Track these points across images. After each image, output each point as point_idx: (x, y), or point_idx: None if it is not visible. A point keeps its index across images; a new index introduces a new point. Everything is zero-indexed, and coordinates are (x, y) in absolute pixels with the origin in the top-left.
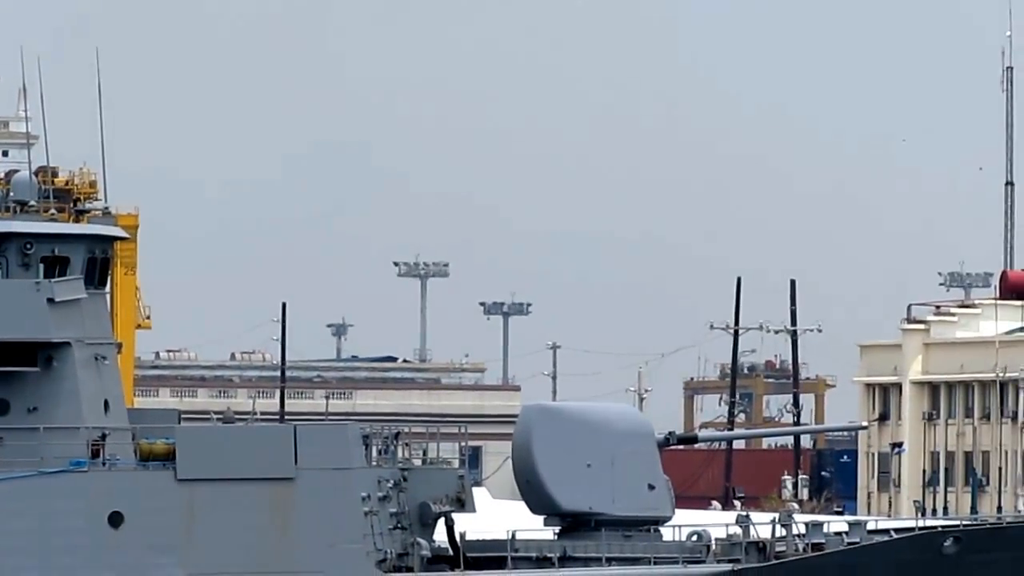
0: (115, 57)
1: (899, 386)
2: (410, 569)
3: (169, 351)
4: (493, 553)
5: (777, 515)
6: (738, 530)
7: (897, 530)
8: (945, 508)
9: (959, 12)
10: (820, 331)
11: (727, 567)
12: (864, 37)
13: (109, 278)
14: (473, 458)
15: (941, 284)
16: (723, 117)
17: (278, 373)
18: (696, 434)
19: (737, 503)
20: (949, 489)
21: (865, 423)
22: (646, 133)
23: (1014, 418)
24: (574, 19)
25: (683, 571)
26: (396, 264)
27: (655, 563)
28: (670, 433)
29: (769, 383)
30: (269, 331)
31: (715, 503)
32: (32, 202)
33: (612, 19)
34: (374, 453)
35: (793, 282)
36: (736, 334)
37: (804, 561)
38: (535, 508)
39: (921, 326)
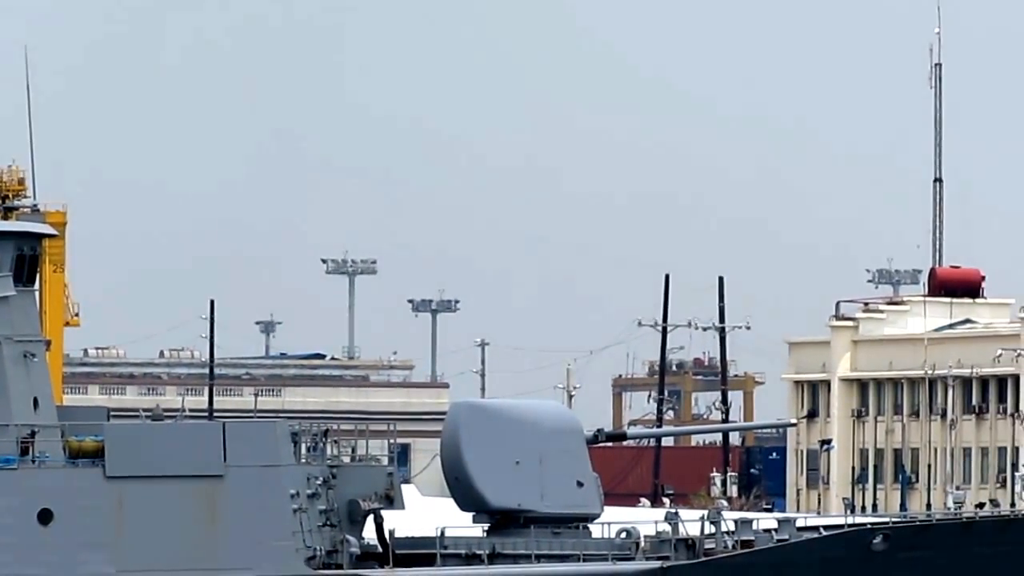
0: (43, 54)
1: (828, 383)
2: (339, 566)
3: (98, 348)
4: (422, 550)
5: (706, 512)
6: (667, 527)
7: (826, 527)
8: (874, 505)
9: (889, 8)
10: (749, 328)
11: (656, 564)
12: (794, 33)
13: (38, 275)
14: (402, 455)
15: (870, 281)
16: (650, 112)
17: (207, 370)
18: (625, 431)
19: (666, 500)
20: (878, 486)
21: (794, 420)
22: (573, 132)
23: (943, 415)
24: (512, 22)
25: (612, 568)
26: (324, 261)
27: (584, 560)
28: (599, 430)
29: (698, 380)
30: (198, 328)
31: (644, 500)
32: None
33: (547, 22)
34: (303, 450)
35: (721, 279)
36: (664, 331)
37: (733, 558)
38: (464, 505)
39: (850, 323)
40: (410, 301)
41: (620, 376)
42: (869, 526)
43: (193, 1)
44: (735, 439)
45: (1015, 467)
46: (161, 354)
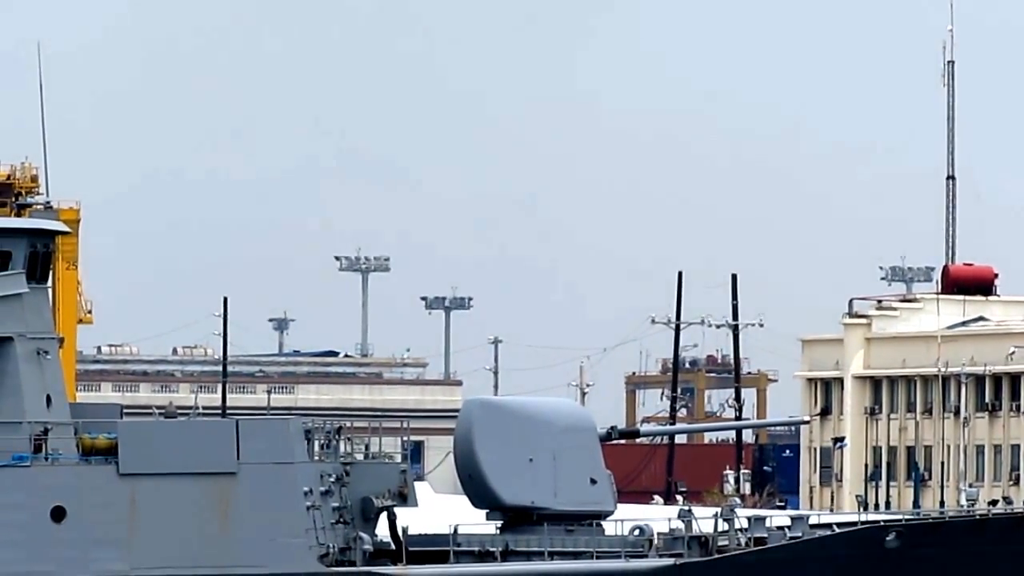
0: (58, 51)
1: (841, 381)
2: (352, 563)
3: (111, 346)
4: (435, 547)
5: (719, 509)
6: (680, 524)
7: (839, 524)
8: (887, 502)
9: (902, 7)
10: (762, 326)
11: (669, 561)
12: (807, 32)
13: (51, 272)
14: (415, 452)
15: (883, 279)
16: (661, 110)
17: (220, 367)
18: (638, 429)
19: (679, 497)
20: (891, 484)
21: (807, 418)
22: (588, 129)
23: (956, 413)
24: (530, 20)
25: (625, 565)
26: (338, 259)
27: (597, 557)
28: (612, 427)
29: (711, 378)
30: (211, 326)
31: (657, 497)
32: None
33: (566, 20)
34: (316, 447)
35: (735, 276)
36: (678, 329)
37: (746, 556)
38: (477, 502)
39: (863, 320)
40: (423, 298)
41: (633, 373)
42: (882, 523)
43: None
44: (748, 436)
45: None
46: (174, 351)
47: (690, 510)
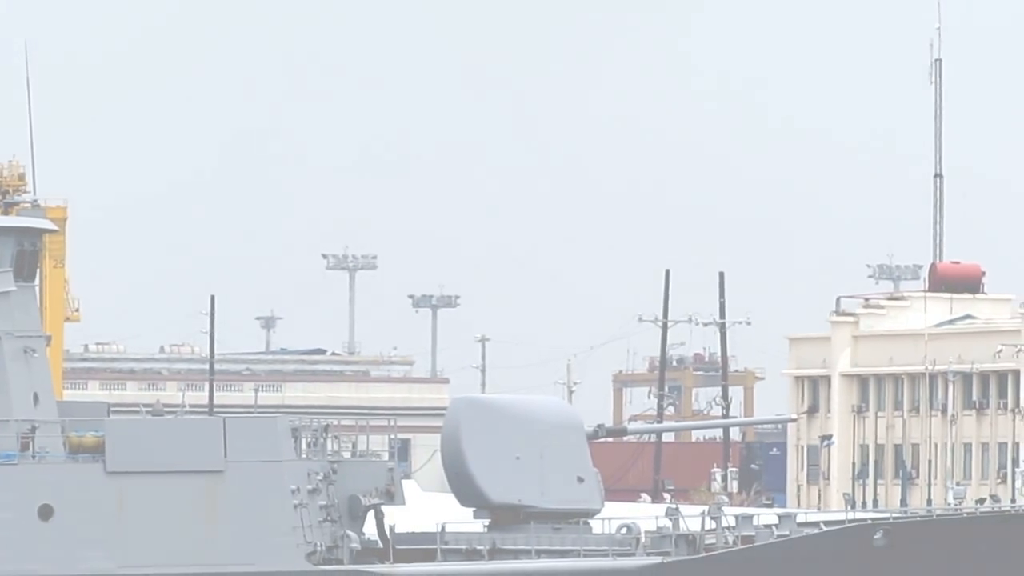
0: (44, 48)
1: (828, 379)
2: (339, 562)
3: (98, 344)
4: (423, 546)
5: (707, 508)
6: (668, 523)
7: (827, 523)
8: (875, 501)
9: (889, 4)
10: (749, 323)
11: (657, 560)
12: (795, 29)
13: (38, 271)
14: (402, 451)
15: (870, 276)
16: (650, 106)
17: (207, 366)
18: (625, 427)
19: (666, 496)
20: (879, 482)
21: (794, 416)
22: (572, 123)
23: (943, 411)
24: (518, 16)
25: (613, 564)
26: (325, 257)
27: (584, 556)
28: (599, 426)
29: (698, 376)
30: (198, 324)
31: (644, 496)
32: None
33: (559, 15)
34: (303, 446)
35: (722, 274)
36: (665, 327)
37: (734, 554)
38: (464, 501)
39: (850, 318)
40: (410, 296)
41: (621, 372)
42: (870, 522)
43: None
44: (735, 435)
45: (1015, 463)
46: (161, 349)
47: (677, 508)
